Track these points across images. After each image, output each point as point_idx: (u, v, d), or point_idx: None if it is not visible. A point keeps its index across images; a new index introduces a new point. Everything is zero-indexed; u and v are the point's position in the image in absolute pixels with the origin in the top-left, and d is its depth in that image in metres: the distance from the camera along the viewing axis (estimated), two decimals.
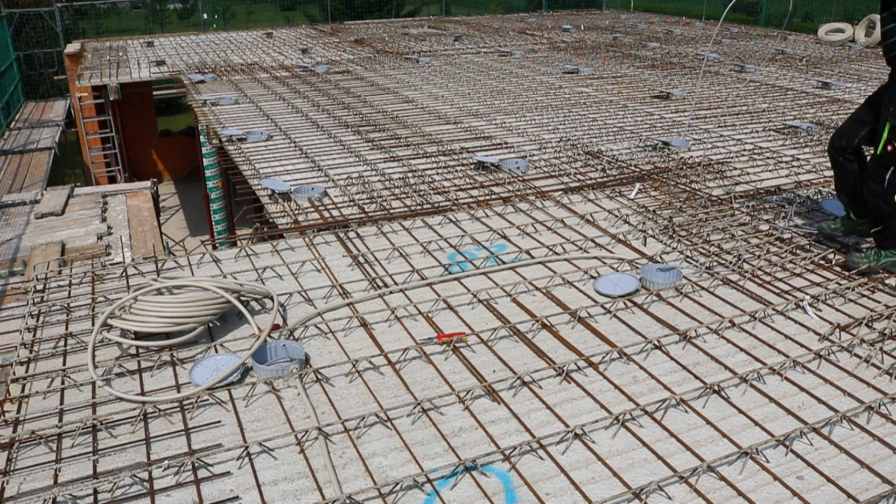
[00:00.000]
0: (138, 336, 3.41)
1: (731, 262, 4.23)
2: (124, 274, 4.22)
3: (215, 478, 2.58)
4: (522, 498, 2.48)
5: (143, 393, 3.07)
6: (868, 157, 4.07)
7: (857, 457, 2.65)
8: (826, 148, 4.11)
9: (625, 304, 3.80)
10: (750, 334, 3.49)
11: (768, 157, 6.36)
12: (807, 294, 3.85)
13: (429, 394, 3.04)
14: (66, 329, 3.62)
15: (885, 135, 3.83)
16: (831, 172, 5.94)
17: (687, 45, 13.38)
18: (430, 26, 16.91)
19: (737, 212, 4.99)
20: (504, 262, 4.31)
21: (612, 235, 4.66)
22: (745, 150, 6.60)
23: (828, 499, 2.47)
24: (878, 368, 3.21)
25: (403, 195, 5.46)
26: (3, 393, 3.10)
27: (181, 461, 2.62)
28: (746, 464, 2.62)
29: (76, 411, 2.97)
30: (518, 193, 5.50)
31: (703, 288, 3.96)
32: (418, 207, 5.22)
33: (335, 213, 5.14)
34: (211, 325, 3.55)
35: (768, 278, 4.05)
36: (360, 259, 4.37)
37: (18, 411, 2.97)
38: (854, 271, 4.00)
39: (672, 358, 3.30)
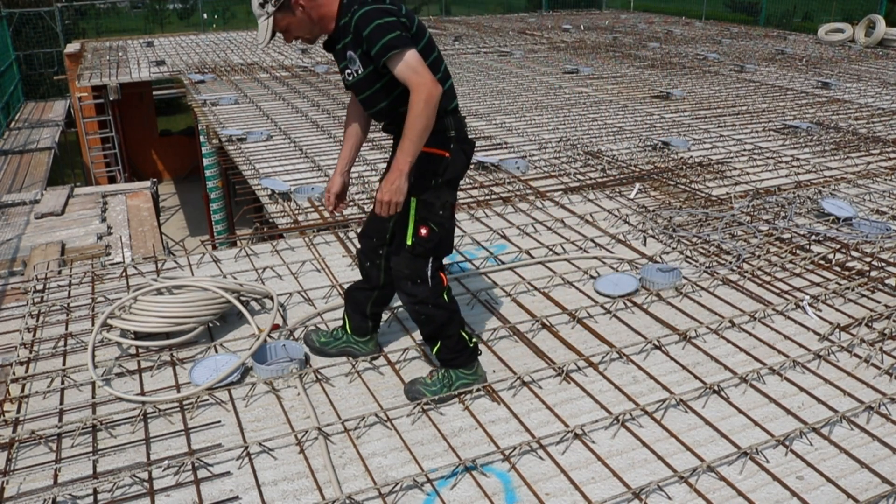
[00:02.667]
0: (138, 336, 3.41)
1: (730, 262, 4.23)
2: (124, 274, 4.22)
3: (215, 478, 2.58)
4: (522, 498, 2.48)
5: (143, 393, 3.07)
6: (393, 257, 2.90)
7: (857, 457, 2.65)
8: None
9: (625, 304, 3.80)
10: (750, 334, 3.49)
11: (768, 157, 6.36)
12: (807, 294, 3.85)
13: None
14: (66, 329, 3.62)
15: (412, 214, 2.77)
16: (831, 172, 5.97)
17: (687, 45, 13.38)
18: (430, 26, 16.91)
19: (737, 212, 4.99)
20: (504, 262, 4.31)
21: (612, 235, 4.66)
22: (744, 150, 6.60)
23: (828, 499, 2.47)
24: (878, 368, 3.20)
25: None
26: (3, 393, 3.10)
27: (181, 461, 2.62)
28: (746, 464, 2.62)
29: (76, 411, 2.97)
30: (518, 193, 5.50)
31: (703, 288, 3.96)
32: None
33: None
34: (211, 325, 3.55)
35: (768, 278, 4.05)
36: None
37: (18, 411, 2.97)
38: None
39: (672, 358, 3.30)
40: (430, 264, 2.83)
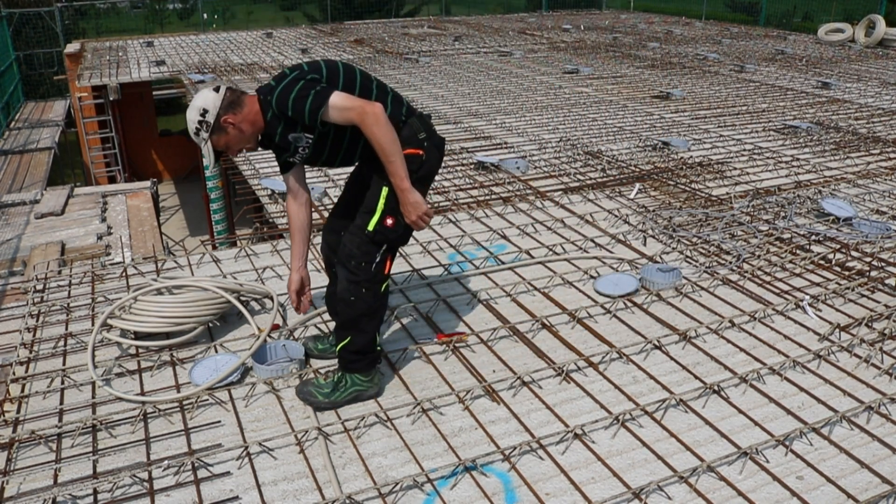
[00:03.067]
0: (138, 336, 3.41)
1: (730, 262, 4.23)
2: (124, 274, 4.22)
3: (215, 478, 2.58)
4: (522, 498, 2.48)
5: (143, 393, 3.07)
6: (347, 235, 2.92)
7: (856, 457, 2.65)
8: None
9: (625, 304, 3.80)
10: (750, 334, 3.49)
11: (768, 157, 6.36)
12: (807, 294, 3.85)
13: (429, 394, 3.04)
14: (66, 329, 3.62)
15: (381, 203, 2.81)
16: (831, 172, 5.97)
17: (687, 45, 13.38)
18: (430, 26, 16.91)
19: (737, 211, 4.99)
20: (504, 262, 4.31)
21: (612, 235, 4.66)
22: (744, 150, 6.60)
23: (828, 499, 2.47)
24: (878, 368, 3.20)
25: None
26: (3, 393, 3.10)
27: (181, 461, 2.62)
28: (746, 464, 2.62)
29: (76, 411, 2.97)
30: (518, 193, 5.50)
31: (702, 288, 3.96)
32: None
33: None
34: (211, 325, 3.55)
35: (768, 278, 4.05)
36: None
37: (18, 411, 2.97)
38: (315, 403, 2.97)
39: (672, 358, 3.30)
40: (381, 251, 2.86)
